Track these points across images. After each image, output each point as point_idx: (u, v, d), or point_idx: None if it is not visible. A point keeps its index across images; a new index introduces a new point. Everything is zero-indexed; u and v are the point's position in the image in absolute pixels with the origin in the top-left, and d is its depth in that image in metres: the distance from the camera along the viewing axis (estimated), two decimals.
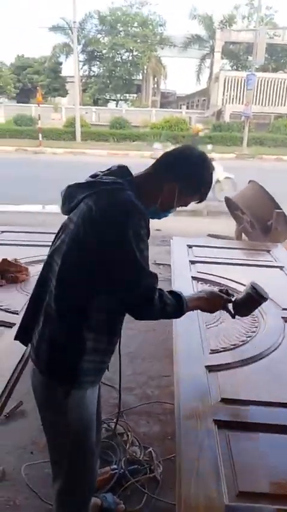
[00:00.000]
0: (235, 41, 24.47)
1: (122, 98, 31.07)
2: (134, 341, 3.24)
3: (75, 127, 18.30)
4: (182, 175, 1.29)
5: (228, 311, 1.51)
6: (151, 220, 1.36)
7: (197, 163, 1.31)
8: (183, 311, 1.34)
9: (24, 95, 28.78)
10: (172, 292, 1.34)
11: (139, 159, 13.85)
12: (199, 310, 1.49)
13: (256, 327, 1.82)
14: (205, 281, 2.31)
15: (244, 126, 17.56)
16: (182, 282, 2.28)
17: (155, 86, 29.40)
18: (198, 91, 29.61)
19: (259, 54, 16.03)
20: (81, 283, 1.22)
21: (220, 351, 1.63)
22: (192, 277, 2.35)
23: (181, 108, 28.68)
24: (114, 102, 31.47)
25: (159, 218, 1.39)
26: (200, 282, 2.30)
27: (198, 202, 1.40)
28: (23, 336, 1.37)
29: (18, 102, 27.16)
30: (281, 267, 2.57)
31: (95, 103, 28.78)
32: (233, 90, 23.01)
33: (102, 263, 1.18)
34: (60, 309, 1.23)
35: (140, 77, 28.54)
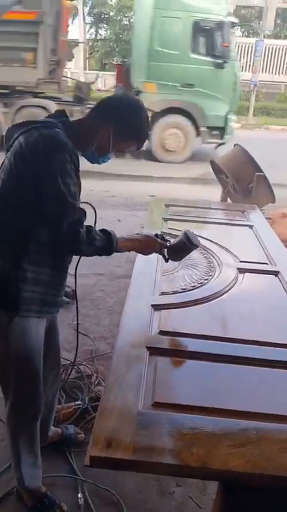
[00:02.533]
0: (247, 5, 23.59)
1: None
2: (114, 297, 3.39)
3: None
4: (117, 119, 1.36)
5: (162, 255, 1.61)
6: (96, 164, 1.48)
7: (131, 107, 1.40)
8: (113, 248, 1.40)
9: None
10: (103, 230, 1.40)
11: None
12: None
13: (210, 276, 1.92)
14: (174, 236, 2.40)
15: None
16: None
17: None
18: None
19: (269, 19, 15.51)
20: (17, 218, 1.30)
21: (170, 293, 1.74)
22: (162, 232, 2.43)
23: None
24: None
25: (98, 163, 1.47)
26: (168, 237, 2.38)
27: (136, 150, 1.49)
28: None
29: None
30: (250, 226, 2.65)
31: (102, 68, 28.12)
32: (244, 57, 22.30)
33: (33, 196, 1.26)
34: (0, 242, 1.32)
35: None
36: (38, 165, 1.25)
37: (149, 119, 1.52)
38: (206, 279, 1.88)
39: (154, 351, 1.34)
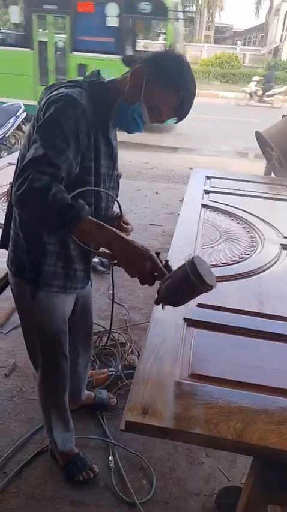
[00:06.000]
0: None
1: None
2: None
3: None
4: (153, 61, 1.18)
5: (157, 289, 1.09)
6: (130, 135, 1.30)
7: (172, 57, 1.19)
8: (68, 217, 1.01)
9: None
10: (74, 198, 1.07)
11: None
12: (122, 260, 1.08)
13: (252, 251, 1.86)
14: (214, 209, 2.34)
15: None
16: (190, 208, 2.31)
17: (210, 19, 27.40)
18: (256, 26, 27.39)
19: None
20: None
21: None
22: (202, 204, 2.38)
23: (236, 44, 26.82)
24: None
25: (129, 128, 1.25)
26: (209, 210, 2.33)
27: (177, 120, 1.24)
28: (4, 242, 1.41)
29: None
30: None
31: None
32: None
33: None
34: None
35: (194, 9, 26.62)
36: (44, 118, 1.11)
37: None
38: (248, 254, 1.82)
39: (192, 322, 1.32)
